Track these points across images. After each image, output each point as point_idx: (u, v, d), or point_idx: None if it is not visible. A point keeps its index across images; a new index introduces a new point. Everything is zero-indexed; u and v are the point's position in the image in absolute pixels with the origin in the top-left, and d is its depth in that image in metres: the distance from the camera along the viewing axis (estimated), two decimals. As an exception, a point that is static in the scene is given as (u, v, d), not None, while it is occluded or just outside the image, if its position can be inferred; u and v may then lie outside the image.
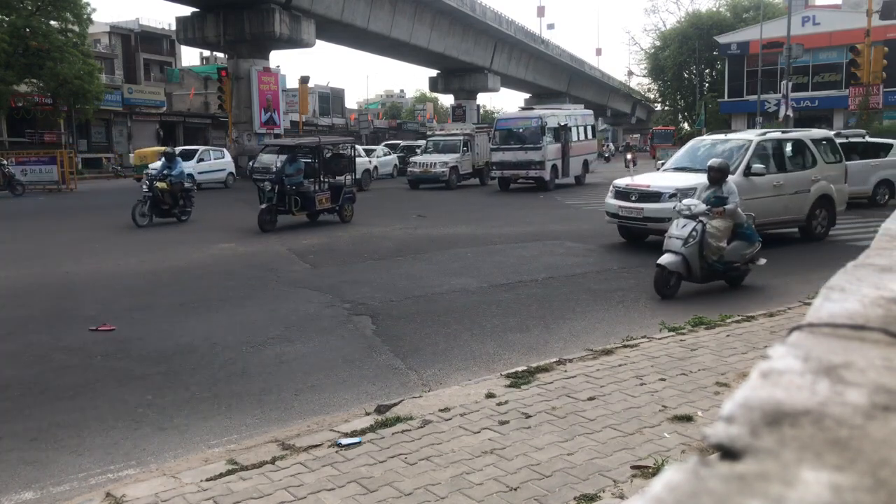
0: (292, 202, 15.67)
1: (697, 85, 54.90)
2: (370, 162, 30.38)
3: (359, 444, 4.30)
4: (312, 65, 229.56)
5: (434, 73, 57.72)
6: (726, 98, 47.11)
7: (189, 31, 37.30)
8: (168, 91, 51.01)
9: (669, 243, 8.50)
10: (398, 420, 4.61)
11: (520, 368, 5.55)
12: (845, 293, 0.87)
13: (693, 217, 8.48)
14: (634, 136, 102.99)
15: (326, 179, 16.97)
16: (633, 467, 3.91)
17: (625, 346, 6.11)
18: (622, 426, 4.45)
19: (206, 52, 63.44)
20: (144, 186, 16.59)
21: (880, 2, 27.45)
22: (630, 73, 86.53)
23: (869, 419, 0.58)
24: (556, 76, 69.34)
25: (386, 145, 38.72)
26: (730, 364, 5.62)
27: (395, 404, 4.92)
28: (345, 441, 4.33)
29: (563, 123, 27.12)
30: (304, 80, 41.01)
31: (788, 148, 12.98)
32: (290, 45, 37.51)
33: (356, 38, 44.08)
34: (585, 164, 28.70)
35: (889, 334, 0.74)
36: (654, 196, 11.78)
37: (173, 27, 41.30)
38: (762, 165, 11.73)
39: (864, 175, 17.38)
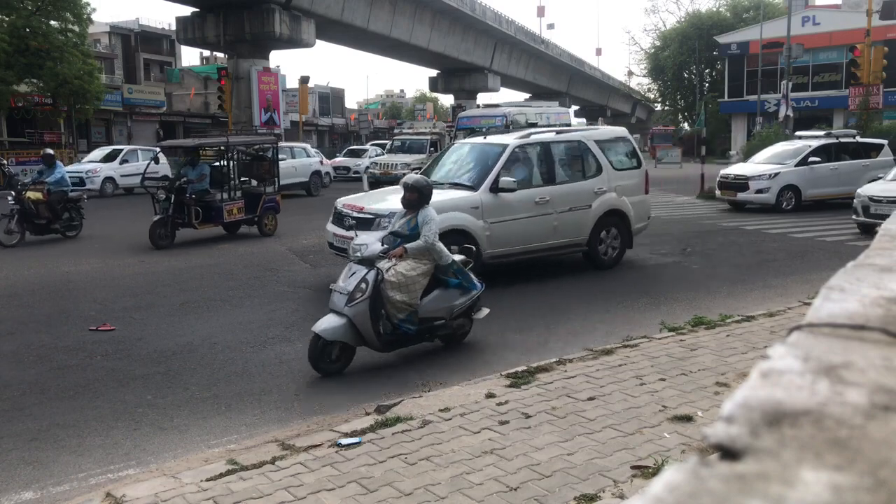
0: (192, 213, 13.30)
1: (697, 85, 54.92)
2: (321, 164, 27.15)
3: (359, 444, 4.30)
4: (312, 65, 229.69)
5: (434, 73, 57.72)
6: (726, 98, 47.15)
7: (189, 31, 37.29)
8: (168, 91, 51.00)
9: (332, 300, 6.17)
10: (398, 420, 4.61)
11: (520, 368, 5.55)
12: (845, 293, 0.87)
13: (366, 262, 6.08)
14: (634, 136, 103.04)
15: (242, 186, 14.73)
16: (633, 467, 3.91)
17: (625, 346, 6.11)
18: (622, 426, 4.45)
19: (206, 52, 63.46)
20: (10, 198, 13.59)
21: (880, 2, 27.44)
22: (630, 73, 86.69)
23: (869, 419, 0.58)
24: (556, 76, 69.33)
25: (373, 144, 38.47)
26: (730, 364, 5.62)
27: (395, 404, 4.92)
28: (345, 441, 4.33)
29: (532, 122, 26.35)
30: (304, 80, 40.98)
31: (561, 152, 10.18)
32: (290, 45, 37.49)
33: (356, 38, 44.08)
34: None
35: (889, 334, 0.74)
36: (367, 222, 8.68)
37: (173, 27, 41.30)
38: (512, 179, 9.15)
39: (854, 176, 17.34)
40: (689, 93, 56.18)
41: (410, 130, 30.33)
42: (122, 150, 26.91)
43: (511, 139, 9.93)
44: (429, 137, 27.49)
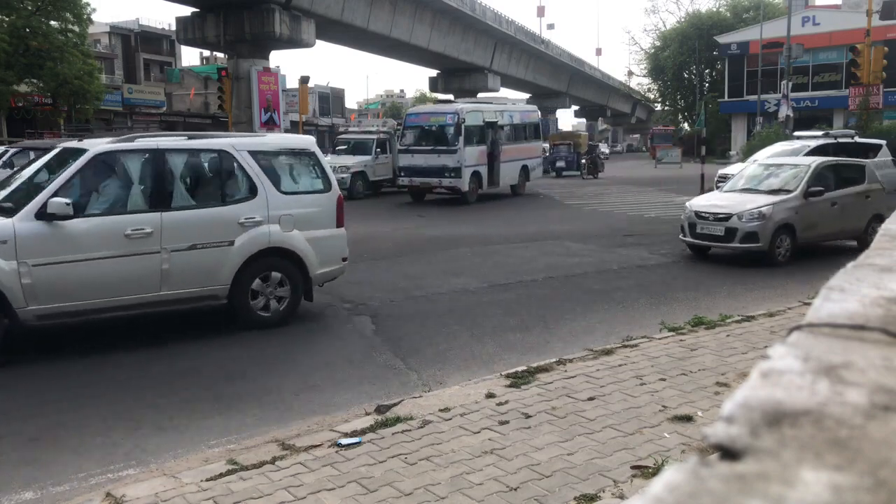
0: None
1: (697, 85, 54.92)
2: None
3: (359, 444, 4.30)
4: (312, 65, 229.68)
5: (434, 73, 57.68)
6: (726, 98, 47.15)
7: (189, 31, 37.28)
8: (168, 91, 51.01)
9: None
10: (398, 420, 4.62)
11: (520, 368, 5.55)
12: (845, 293, 0.87)
13: None
14: (634, 136, 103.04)
15: None
16: (633, 467, 3.91)
17: (625, 346, 6.11)
18: (622, 426, 4.45)
19: (206, 52, 63.47)
20: None
21: (880, 2, 27.45)
22: (630, 73, 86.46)
23: (869, 419, 0.58)
24: (556, 76, 69.32)
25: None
26: (730, 364, 5.62)
27: (395, 404, 4.92)
28: (345, 441, 4.33)
29: (491, 120, 22.43)
30: (304, 80, 40.94)
31: (188, 166, 7.48)
32: (290, 45, 37.48)
33: (356, 38, 44.07)
34: (525, 170, 24.24)
35: (889, 334, 0.74)
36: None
37: (173, 27, 41.29)
38: (65, 201, 6.40)
39: None
40: (689, 93, 56.18)
41: (358, 128, 26.35)
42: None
43: (99, 145, 7.01)
44: (375, 137, 24.27)
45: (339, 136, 26.39)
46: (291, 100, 48.30)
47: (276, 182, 7.59)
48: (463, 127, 20.74)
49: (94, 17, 35.52)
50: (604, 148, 59.21)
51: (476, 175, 21.37)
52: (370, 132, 24.92)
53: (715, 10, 57.79)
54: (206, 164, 7.67)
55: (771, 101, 38.65)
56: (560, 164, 36.54)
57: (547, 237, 13.72)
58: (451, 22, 47.74)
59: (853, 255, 1.08)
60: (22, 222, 6.30)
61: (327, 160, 20.33)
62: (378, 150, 23.76)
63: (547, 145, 35.51)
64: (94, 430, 4.95)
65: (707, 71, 56.17)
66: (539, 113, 26.37)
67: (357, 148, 23.99)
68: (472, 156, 21.10)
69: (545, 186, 27.55)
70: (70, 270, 6.43)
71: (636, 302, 8.45)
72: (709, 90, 54.00)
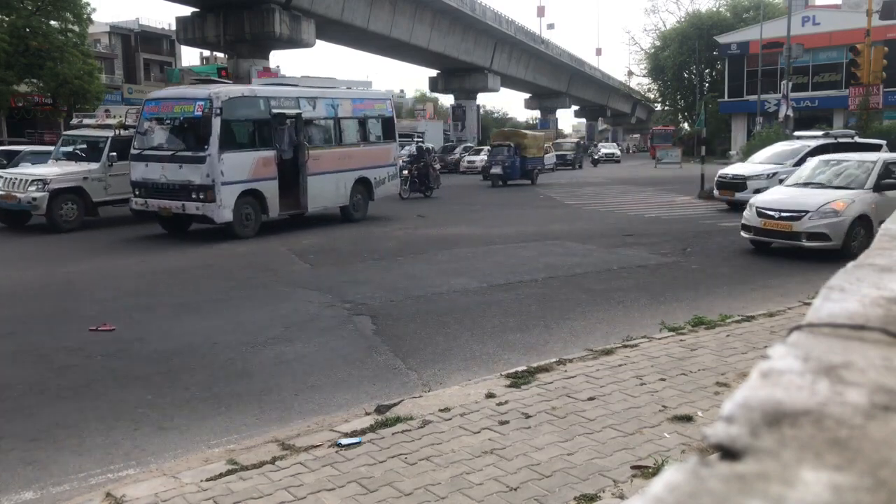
0: None
1: (697, 85, 54.92)
2: None
3: (359, 444, 4.30)
4: (312, 65, 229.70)
5: (434, 73, 57.73)
6: (726, 98, 47.16)
7: (189, 31, 37.32)
8: (168, 91, 50.95)
9: None
10: (398, 420, 4.62)
11: (520, 368, 5.55)
12: (845, 293, 0.87)
13: None
14: (634, 136, 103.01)
15: None
16: (633, 467, 3.91)
17: (625, 346, 6.11)
18: (622, 426, 4.45)
19: (206, 52, 63.42)
20: None
21: (880, 2, 27.44)
22: (630, 73, 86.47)
23: (869, 419, 0.58)
24: (556, 76, 69.36)
25: None
26: (730, 364, 5.62)
27: (395, 404, 4.92)
28: (345, 441, 4.33)
29: (284, 111, 14.99)
30: (304, 80, 41.00)
31: None
32: (290, 45, 37.52)
33: (356, 38, 44.11)
34: (364, 186, 16.88)
35: (889, 334, 0.74)
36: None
37: (173, 27, 41.31)
38: None
39: None
40: (689, 93, 56.18)
41: (92, 123, 17.54)
42: None
43: None
44: (109, 136, 16.04)
45: (67, 134, 18.07)
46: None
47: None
48: (218, 121, 13.41)
49: (94, 17, 35.50)
50: (609, 149, 57.22)
51: (251, 196, 14.09)
52: (109, 126, 16.57)
53: (715, 10, 57.82)
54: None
55: (771, 101, 38.64)
56: (496, 170, 28.10)
57: (547, 237, 13.72)
58: (451, 22, 47.76)
59: None
60: None
61: (8, 172, 15.11)
62: (113, 154, 15.74)
63: (405, 150, 26.85)
64: (94, 430, 4.95)
65: (707, 71, 56.18)
66: (391, 101, 18.56)
67: (86, 150, 16.43)
68: (237, 166, 13.78)
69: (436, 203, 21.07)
70: None
71: (636, 302, 8.44)
72: (709, 90, 54.01)
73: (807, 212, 10.83)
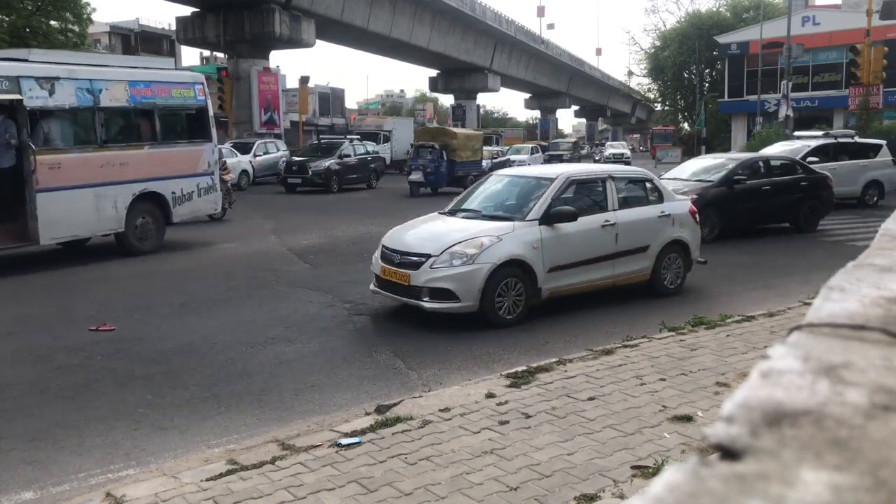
0: None
1: (697, 85, 54.91)
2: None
3: (359, 444, 4.30)
4: (312, 65, 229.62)
5: (434, 73, 57.73)
6: (726, 98, 47.12)
7: (189, 31, 37.31)
8: (168, 91, 50.91)
9: None
10: (398, 420, 4.62)
11: (520, 368, 5.55)
12: (845, 293, 0.87)
13: None
14: (634, 136, 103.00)
15: None
16: (633, 467, 3.91)
17: (625, 346, 6.11)
18: (622, 426, 4.45)
19: (206, 52, 63.44)
20: None
21: (880, 2, 27.45)
22: (630, 73, 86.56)
23: (869, 419, 0.58)
24: (556, 76, 69.36)
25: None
26: (730, 364, 5.62)
27: (395, 404, 4.92)
28: (345, 441, 4.33)
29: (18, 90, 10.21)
30: (304, 80, 41.03)
31: None
32: (290, 45, 37.51)
33: (356, 38, 44.10)
34: (157, 200, 12.25)
35: (889, 334, 0.74)
36: None
37: (173, 27, 41.30)
38: None
39: (853, 176, 17.41)
40: (689, 93, 56.16)
41: None
42: None
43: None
44: None
45: None
46: (291, 100, 48.25)
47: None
48: None
49: (94, 17, 35.51)
50: (618, 149, 48.23)
51: None
52: None
53: (715, 10, 57.77)
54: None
55: (771, 101, 38.63)
56: (415, 176, 23.35)
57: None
58: (451, 22, 47.76)
59: None
60: None
61: None
62: None
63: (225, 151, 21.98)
64: (93, 430, 4.95)
65: (707, 71, 56.15)
66: (202, 87, 13.30)
67: None
68: None
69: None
70: None
71: (636, 302, 8.44)
72: (709, 90, 53.98)
73: (429, 255, 7.36)
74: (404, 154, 31.92)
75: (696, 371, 5.47)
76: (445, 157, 23.66)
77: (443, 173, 23.49)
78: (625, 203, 8.43)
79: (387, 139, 37.28)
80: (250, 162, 27.00)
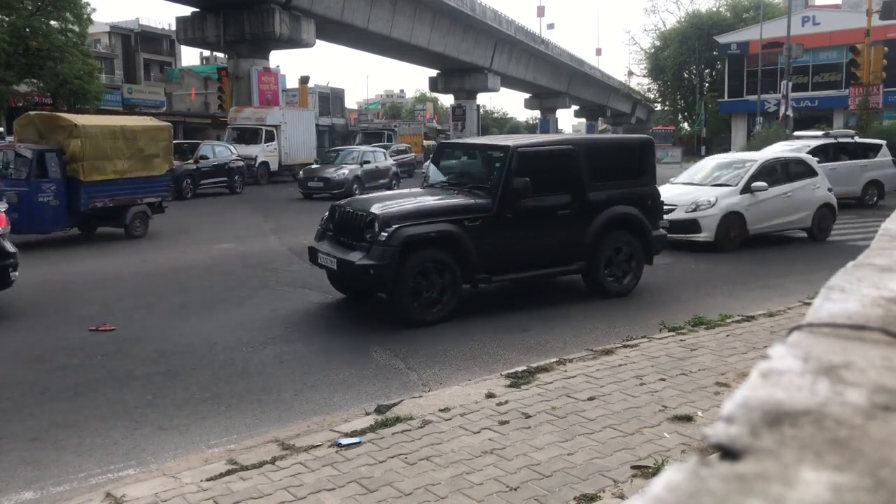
0: None
1: (697, 85, 54.90)
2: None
3: (359, 444, 4.30)
4: (312, 65, 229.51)
5: (434, 73, 57.69)
6: (726, 98, 47.11)
7: (189, 31, 37.31)
8: (168, 91, 50.98)
9: None
10: (398, 420, 4.61)
11: (520, 368, 5.55)
12: (845, 293, 0.87)
13: None
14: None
15: None
16: (633, 467, 3.91)
17: (625, 346, 6.11)
18: (622, 426, 4.45)
19: (206, 52, 63.47)
20: None
21: (880, 2, 27.45)
22: (630, 73, 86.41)
23: (869, 419, 0.58)
24: (556, 76, 69.31)
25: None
26: (730, 364, 5.62)
27: (395, 404, 4.92)
28: (345, 441, 4.33)
29: None
30: (304, 80, 41.06)
31: None
32: (290, 45, 37.50)
33: (356, 38, 44.07)
34: None
35: (889, 334, 0.74)
36: None
37: (173, 27, 41.32)
38: None
39: (853, 176, 17.40)
40: (689, 93, 56.15)
41: None
42: None
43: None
44: None
45: None
46: (291, 100, 48.29)
47: None
48: None
49: (94, 16, 35.51)
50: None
51: None
52: None
53: (715, 10, 57.75)
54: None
55: (771, 101, 38.63)
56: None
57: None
58: (451, 22, 47.74)
59: None
60: None
61: None
62: None
63: None
64: (93, 430, 4.95)
65: (707, 71, 56.14)
66: None
67: None
68: None
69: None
70: None
71: (636, 302, 8.44)
72: (709, 90, 53.97)
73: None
74: (307, 156, 28.28)
75: (696, 371, 5.46)
76: (61, 174, 12.87)
77: (49, 207, 12.70)
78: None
79: (271, 137, 29.46)
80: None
